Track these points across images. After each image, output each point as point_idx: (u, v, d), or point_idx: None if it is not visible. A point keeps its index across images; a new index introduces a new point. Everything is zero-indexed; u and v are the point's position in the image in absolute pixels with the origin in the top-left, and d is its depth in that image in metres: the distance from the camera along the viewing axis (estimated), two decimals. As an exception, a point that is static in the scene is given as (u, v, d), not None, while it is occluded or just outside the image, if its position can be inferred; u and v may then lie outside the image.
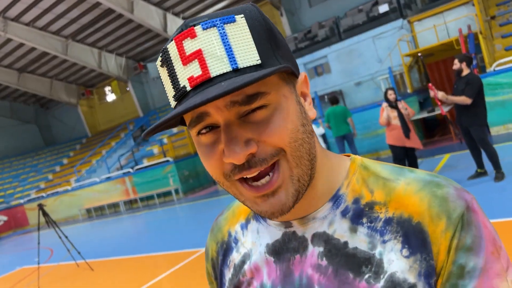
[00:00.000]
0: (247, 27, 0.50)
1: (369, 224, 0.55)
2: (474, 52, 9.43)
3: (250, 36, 0.50)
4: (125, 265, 6.66)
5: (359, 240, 0.55)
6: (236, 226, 0.69)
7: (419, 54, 6.18)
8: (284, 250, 0.59)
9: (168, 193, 14.32)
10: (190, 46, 0.49)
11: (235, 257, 0.67)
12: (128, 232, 10.78)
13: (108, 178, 16.48)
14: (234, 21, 0.50)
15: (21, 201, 19.78)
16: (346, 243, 0.55)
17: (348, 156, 0.63)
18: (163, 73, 0.53)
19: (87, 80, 22.28)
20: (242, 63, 0.49)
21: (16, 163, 23.95)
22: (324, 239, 0.57)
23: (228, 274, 0.67)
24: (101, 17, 16.21)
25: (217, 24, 0.49)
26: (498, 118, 8.71)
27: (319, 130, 10.12)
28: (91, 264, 6.82)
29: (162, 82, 0.56)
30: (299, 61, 12.85)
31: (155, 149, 17.05)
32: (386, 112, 6.08)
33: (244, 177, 0.51)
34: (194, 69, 0.49)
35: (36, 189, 20.88)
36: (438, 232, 0.51)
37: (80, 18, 16.01)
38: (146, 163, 16.25)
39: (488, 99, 8.31)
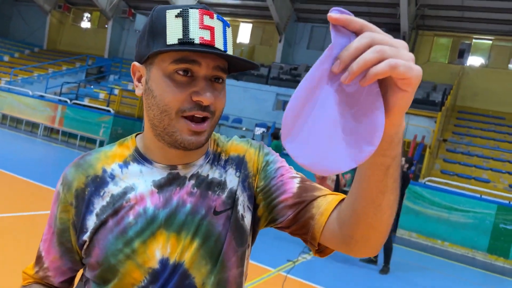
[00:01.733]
0: (231, 36, 0.80)
1: (219, 164, 0.88)
2: (416, 160, 10.29)
3: (231, 41, 0.79)
4: (18, 185, 6.36)
5: (215, 173, 0.86)
6: (112, 166, 0.85)
7: None
8: (167, 184, 0.82)
9: (92, 141, 13.81)
10: (207, 20, 0.73)
11: (112, 189, 0.82)
12: (35, 156, 10.24)
13: (42, 97, 15.57)
14: (229, 27, 0.79)
15: None
16: (207, 175, 0.85)
17: None
18: (175, 21, 0.73)
19: (71, -4, 21.16)
20: (229, 50, 0.77)
21: (-45, 34, 21.91)
22: (196, 176, 0.84)
23: (101, 202, 0.82)
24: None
25: (223, 21, 0.77)
26: (407, 224, 9.46)
27: None
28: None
29: (161, 25, 0.74)
30: (274, 89, 13.22)
31: (102, 95, 16.44)
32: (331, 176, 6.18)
33: (192, 115, 0.76)
34: (206, 34, 0.73)
35: (-39, 69, 19.18)
36: (250, 154, 0.90)
37: None
38: (86, 102, 15.60)
39: (407, 203, 9.08)
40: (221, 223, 0.81)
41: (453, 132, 12.76)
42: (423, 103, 12.35)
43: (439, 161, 11.59)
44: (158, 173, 0.82)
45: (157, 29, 0.74)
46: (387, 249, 5.77)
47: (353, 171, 0.63)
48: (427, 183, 9.77)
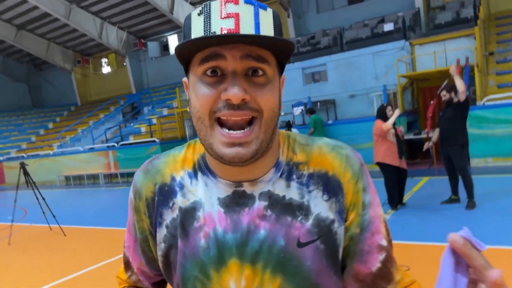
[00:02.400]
0: (272, 18, 0.66)
1: (297, 179, 0.73)
2: (468, 84, 9.71)
3: (272, 25, 0.65)
4: (97, 235, 6.72)
5: (293, 193, 0.72)
6: (181, 173, 0.77)
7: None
8: (234, 204, 0.71)
9: (149, 173, 14.33)
10: (231, 8, 0.62)
11: (180, 200, 0.75)
12: (104, 204, 10.81)
13: (92, 149, 16.40)
14: (266, 9, 0.65)
15: (0, 158, 19.54)
16: (284, 196, 0.72)
17: None
18: (198, 20, 0.64)
19: (85, 48, 22.06)
20: (263, 28, 0.64)
21: (1, 119, 23.59)
22: (268, 195, 0.72)
23: (171, 215, 0.75)
24: (110, -12, 16.09)
25: (255, 4, 0.64)
26: (480, 151, 8.99)
27: None
28: (64, 229, 6.86)
29: (188, 29, 0.66)
30: (299, 65, 13.01)
31: (143, 128, 17.02)
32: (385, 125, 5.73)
33: (224, 118, 0.64)
34: (229, 23, 0.62)
35: (17, 148, 20.64)
36: (346, 180, 0.73)
37: (88, -15, 15.86)
38: (131, 140, 16.22)
39: (472, 131, 8.59)
40: (309, 258, 0.70)
41: (498, 42, 11.88)
42: (455, 23, 11.62)
43: (492, 77, 10.86)
44: (223, 190, 0.72)
45: (186, 35, 0.67)
46: (467, 184, 5.51)
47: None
48: (486, 103, 9.20)
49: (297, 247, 0.70)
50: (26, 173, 6.72)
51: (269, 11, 0.65)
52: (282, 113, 12.47)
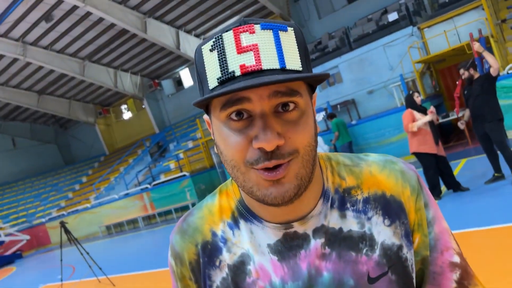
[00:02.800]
0: (295, 39, 0.58)
1: (352, 207, 0.66)
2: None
3: (296, 46, 0.58)
4: (146, 279, 6.75)
5: (350, 223, 0.65)
6: (220, 225, 0.70)
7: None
8: (287, 248, 0.64)
9: (185, 207, 14.45)
10: (247, 39, 0.55)
11: (226, 257, 0.68)
12: (147, 247, 10.90)
13: (127, 195, 16.72)
14: (286, 30, 0.57)
15: (43, 220, 20.17)
16: (341, 229, 0.65)
17: None
18: (210, 57, 0.57)
19: (104, 99, 22.80)
20: (289, 65, 0.56)
21: (37, 182, 24.48)
22: (323, 231, 0.64)
23: (221, 274, 0.68)
24: (116, 38, 16.66)
25: (273, 28, 0.56)
26: (514, 121, 8.60)
27: (325, 147, 10.16)
28: (112, 280, 6.92)
29: (202, 66, 0.59)
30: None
31: (172, 165, 17.26)
32: (417, 116, 5.57)
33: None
34: (248, 59, 0.54)
35: (57, 207, 21.29)
36: (406, 198, 0.66)
37: (95, 39, 16.48)
38: (163, 178, 16.44)
39: (502, 102, 8.19)
40: None
41: (508, 7, 11.48)
42: (460, -2, 11.35)
43: (510, 43, 10.47)
44: (272, 235, 0.65)
45: (200, 73, 0.60)
46: (508, 158, 5.22)
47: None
48: (510, 71, 8.84)
49: (369, 283, 0.63)
50: (67, 231, 6.87)
51: (290, 31, 0.57)
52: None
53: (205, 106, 0.62)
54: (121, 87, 19.48)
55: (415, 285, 0.66)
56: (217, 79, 0.56)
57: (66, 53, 17.25)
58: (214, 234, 0.70)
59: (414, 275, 0.66)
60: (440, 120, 9.57)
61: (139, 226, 15.74)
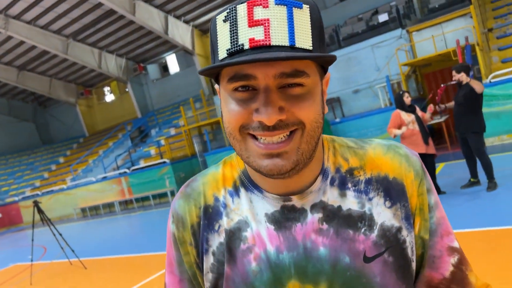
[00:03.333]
0: (309, 17, 0.57)
1: (354, 187, 0.66)
2: (471, 64, 9.54)
3: (310, 25, 0.57)
4: (118, 264, 6.68)
5: (350, 202, 0.66)
6: (222, 192, 0.71)
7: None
8: (284, 219, 0.65)
9: (163, 195, 14.34)
10: (260, 13, 0.55)
11: (225, 222, 0.68)
12: (122, 232, 10.79)
13: (104, 178, 16.48)
14: (301, 7, 0.56)
15: (16, 198, 19.74)
16: (340, 207, 0.65)
17: None
18: (223, 28, 0.57)
19: (86, 80, 22.32)
20: (298, 43, 0.55)
21: (12, 160, 23.90)
22: (321, 206, 0.65)
23: (218, 239, 0.68)
24: (103, 18, 16.29)
25: (288, 4, 0.55)
26: (493, 129, 8.80)
27: None
28: (84, 263, 6.82)
29: (215, 36, 0.59)
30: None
31: (152, 151, 17.07)
32: (404, 117, 5.60)
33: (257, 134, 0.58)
34: (258, 33, 0.54)
35: (31, 187, 20.84)
36: (409, 182, 0.66)
37: (81, 18, 16.08)
38: (142, 164, 16.26)
39: (483, 110, 8.41)
40: (379, 273, 0.63)
41: (495, 17, 11.71)
42: (450, 5, 11.49)
43: (495, 53, 10.67)
44: (270, 205, 0.66)
45: (213, 43, 0.60)
46: (485, 165, 5.34)
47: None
48: (492, 80, 9.03)
49: (364, 262, 0.63)
50: (40, 211, 6.73)
51: (305, 9, 0.57)
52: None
53: (215, 76, 0.63)
54: (105, 68, 19.10)
55: (414, 269, 0.66)
56: (227, 50, 0.57)
57: (50, 29, 16.78)
58: (216, 199, 0.71)
59: (414, 258, 0.66)
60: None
61: (115, 210, 15.54)
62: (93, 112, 23.73)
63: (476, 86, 5.20)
